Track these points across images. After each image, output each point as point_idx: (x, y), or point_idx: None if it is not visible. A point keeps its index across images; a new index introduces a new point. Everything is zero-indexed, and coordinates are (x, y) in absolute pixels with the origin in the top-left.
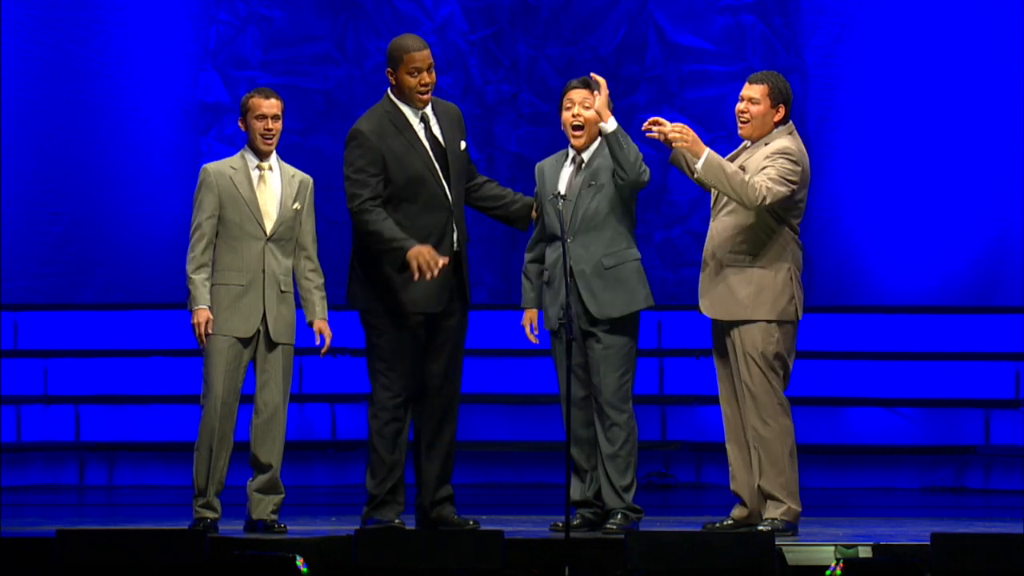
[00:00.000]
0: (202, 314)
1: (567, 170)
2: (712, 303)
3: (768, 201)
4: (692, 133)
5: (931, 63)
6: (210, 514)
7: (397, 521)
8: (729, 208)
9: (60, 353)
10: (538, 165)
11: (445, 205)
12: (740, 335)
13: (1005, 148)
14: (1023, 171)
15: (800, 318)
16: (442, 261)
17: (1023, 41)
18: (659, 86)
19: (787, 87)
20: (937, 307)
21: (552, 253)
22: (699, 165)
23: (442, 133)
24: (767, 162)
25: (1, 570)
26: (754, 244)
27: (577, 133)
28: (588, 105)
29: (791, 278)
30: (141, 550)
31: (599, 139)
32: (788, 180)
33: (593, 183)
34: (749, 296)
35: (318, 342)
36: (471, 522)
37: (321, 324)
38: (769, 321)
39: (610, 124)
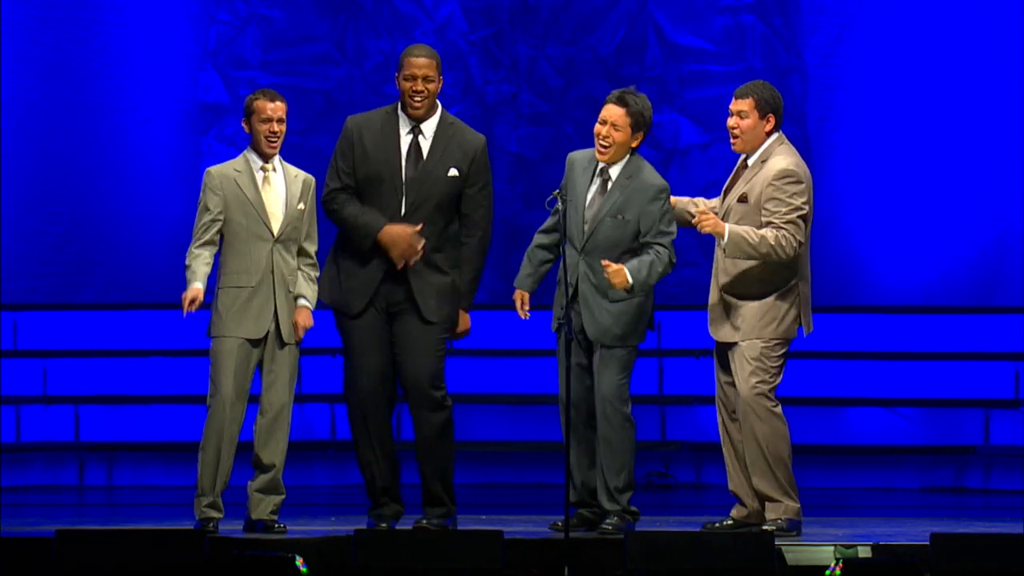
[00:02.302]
0: (194, 290)
1: (594, 184)
2: (722, 328)
3: (795, 252)
4: (710, 218)
5: (931, 63)
6: (216, 514)
7: (383, 525)
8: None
9: (60, 353)
10: (571, 156)
11: (396, 216)
12: (740, 346)
13: (1005, 148)
14: (1023, 171)
15: (809, 332)
16: (420, 244)
17: (1023, 41)
18: (659, 86)
19: (774, 95)
20: (937, 307)
21: (567, 258)
22: (724, 245)
23: (431, 151)
24: (772, 192)
25: (1, 570)
26: (761, 267)
27: (604, 150)
28: (620, 128)
29: (798, 297)
30: (141, 550)
31: (627, 158)
32: (800, 208)
33: (619, 216)
34: (754, 319)
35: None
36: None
37: (305, 313)
38: (772, 339)
39: (629, 287)
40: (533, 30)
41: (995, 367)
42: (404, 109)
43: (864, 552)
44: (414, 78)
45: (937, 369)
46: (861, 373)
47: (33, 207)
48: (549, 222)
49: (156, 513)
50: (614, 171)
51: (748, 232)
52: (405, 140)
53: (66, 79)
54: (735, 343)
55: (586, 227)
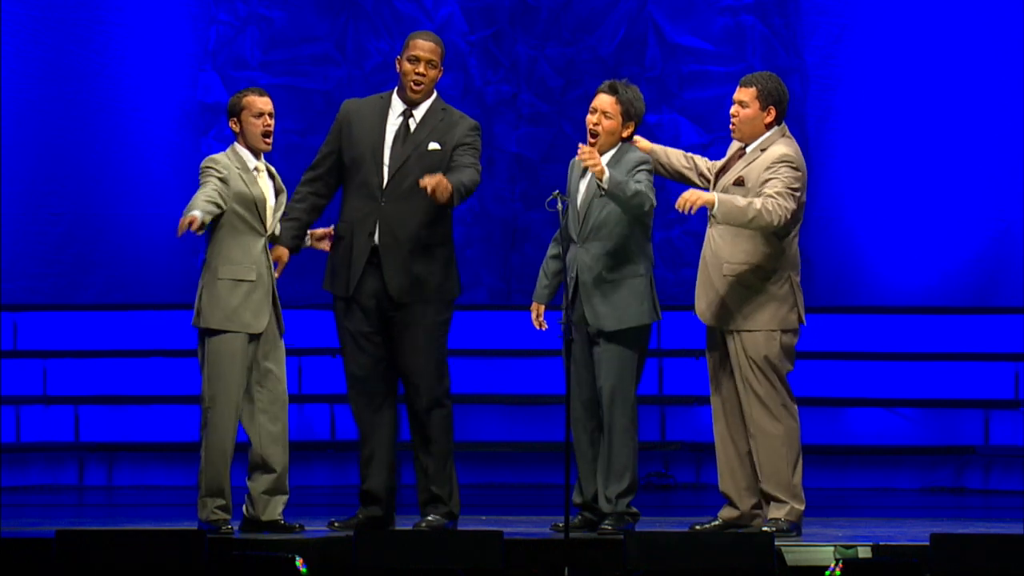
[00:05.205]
0: (191, 217)
1: (585, 177)
2: (710, 311)
3: (783, 221)
4: (693, 195)
5: (931, 63)
6: (227, 516)
7: (344, 519)
8: None
9: (60, 353)
10: (573, 160)
11: (375, 196)
12: (741, 340)
13: (1005, 147)
14: (1023, 171)
15: (803, 323)
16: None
17: (1023, 41)
18: (659, 86)
19: (779, 88)
20: (937, 307)
21: (568, 255)
22: (715, 212)
23: (416, 131)
24: (769, 173)
25: (1, 570)
26: (753, 253)
27: (593, 138)
28: (610, 116)
29: (791, 286)
30: (141, 550)
31: (616, 147)
32: (793, 190)
33: (604, 193)
34: (750, 307)
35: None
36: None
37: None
38: (771, 329)
39: (604, 181)
40: (533, 30)
41: (995, 367)
42: (400, 92)
43: (864, 552)
44: (417, 60)
45: (937, 369)
46: (861, 373)
47: (33, 207)
48: (556, 235)
49: (156, 513)
50: (603, 160)
51: (736, 198)
52: (395, 123)
53: (66, 79)
54: (732, 333)
55: (580, 214)
